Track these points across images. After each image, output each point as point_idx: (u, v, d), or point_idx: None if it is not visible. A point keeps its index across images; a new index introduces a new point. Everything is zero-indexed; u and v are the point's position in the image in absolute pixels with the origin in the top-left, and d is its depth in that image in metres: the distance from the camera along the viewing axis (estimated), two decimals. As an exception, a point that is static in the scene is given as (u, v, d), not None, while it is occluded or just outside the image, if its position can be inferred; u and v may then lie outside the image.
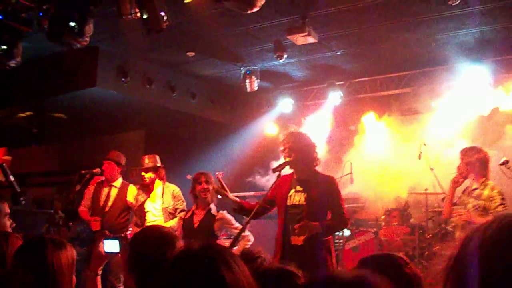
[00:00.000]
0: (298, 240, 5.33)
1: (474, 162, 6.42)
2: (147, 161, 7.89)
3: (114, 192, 8.06)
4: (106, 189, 8.07)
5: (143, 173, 7.85)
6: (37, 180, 14.85)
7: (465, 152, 6.57)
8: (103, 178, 8.14)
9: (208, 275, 1.79)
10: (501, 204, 6.23)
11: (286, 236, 5.48)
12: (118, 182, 8.14)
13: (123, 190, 8.08)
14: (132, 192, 8.09)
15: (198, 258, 1.88)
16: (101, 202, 7.99)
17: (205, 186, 6.41)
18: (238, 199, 5.92)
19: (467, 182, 6.64)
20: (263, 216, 6.08)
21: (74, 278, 2.92)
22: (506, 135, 9.81)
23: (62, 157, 14.86)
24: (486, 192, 6.33)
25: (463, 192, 6.58)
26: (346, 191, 10.40)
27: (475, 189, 6.41)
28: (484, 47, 9.50)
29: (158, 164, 7.95)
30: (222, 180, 5.95)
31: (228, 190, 5.88)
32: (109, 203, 7.97)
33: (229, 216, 6.49)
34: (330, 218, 5.60)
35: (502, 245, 1.16)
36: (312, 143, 5.73)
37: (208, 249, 1.95)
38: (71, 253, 2.88)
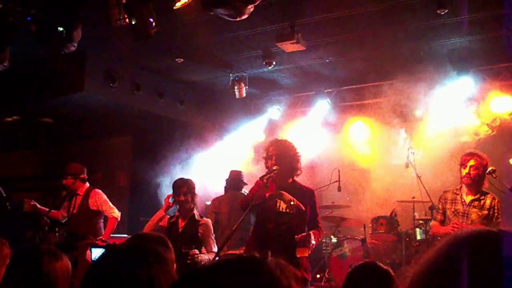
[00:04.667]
0: (304, 252, 5.35)
1: (484, 167, 6.40)
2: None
3: (78, 200, 8.10)
4: (73, 197, 8.13)
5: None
6: (23, 185, 14.73)
7: (479, 155, 6.50)
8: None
9: (124, 274, 1.82)
10: (499, 215, 6.27)
11: (274, 242, 5.46)
12: (82, 190, 8.17)
13: (86, 197, 8.14)
14: (95, 196, 8.13)
15: (121, 257, 1.91)
16: (70, 210, 8.06)
17: (183, 198, 6.46)
18: None
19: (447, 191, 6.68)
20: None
21: None
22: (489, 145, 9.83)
23: (48, 162, 14.76)
24: (488, 201, 6.35)
25: (452, 202, 6.57)
26: (333, 198, 10.42)
27: (475, 200, 6.41)
28: (472, 56, 9.55)
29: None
30: None
31: None
32: (75, 211, 8.03)
33: (211, 226, 6.50)
34: (315, 229, 5.63)
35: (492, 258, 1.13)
36: (297, 152, 5.75)
37: (132, 249, 1.98)
38: (66, 264, 2.86)
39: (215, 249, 6.34)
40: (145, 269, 1.87)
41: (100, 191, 8.27)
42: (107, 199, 8.21)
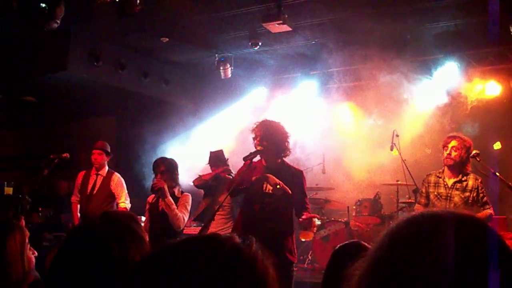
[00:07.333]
0: (308, 235, 5.35)
1: (467, 149, 6.39)
2: None
3: (100, 180, 8.24)
4: (93, 177, 8.27)
5: None
6: (5, 165, 14.63)
7: (461, 137, 6.47)
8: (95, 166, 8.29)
9: (96, 249, 1.80)
10: (485, 195, 6.29)
11: (260, 223, 5.44)
12: (104, 170, 8.31)
13: (108, 178, 8.25)
14: (116, 179, 8.23)
15: (91, 232, 1.89)
16: (88, 190, 8.18)
17: (160, 177, 6.54)
18: None
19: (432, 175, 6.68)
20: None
21: (30, 257, 2.86)
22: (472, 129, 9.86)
23: (31, 142, 14.66)
24: (470, 183, 6.35)
25: (435, 186, 6.57)
26: (317, 180, 10.41)
27: (457, 181, 6.41)
28: (458, 40, 9.55)
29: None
30: None
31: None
32: (95, 191, 8.16)
33: (187, 200, 6.61)
34: (304, 211, 5.61)
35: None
36: (285, 132, 5.69)
37: (104, 224, 1.95)
38: (19, 235, 2.81)
39: (186, 217, 6.50)
40: (118, 245, 1.84)
41: (119, 175, 8.35)
42: (125, 187, 8.30)
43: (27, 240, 2.85)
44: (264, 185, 5.54)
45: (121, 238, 1.87)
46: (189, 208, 6.57)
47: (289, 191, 5.41)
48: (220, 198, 7.72)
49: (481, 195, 6.32)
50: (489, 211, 6.29)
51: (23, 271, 2.75)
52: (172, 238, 1.23)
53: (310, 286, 8.41)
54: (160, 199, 6.48)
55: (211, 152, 8.48)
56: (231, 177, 7.88)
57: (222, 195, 7.56)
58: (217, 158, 8.44)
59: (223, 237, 1.20)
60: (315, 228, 5.39)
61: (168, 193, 6.33)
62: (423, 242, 1.07)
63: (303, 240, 5.30)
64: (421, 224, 1.13)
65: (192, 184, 8.45)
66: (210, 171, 8.43)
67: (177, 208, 6.33)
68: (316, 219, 5.52)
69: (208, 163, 8.47)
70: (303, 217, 5.33)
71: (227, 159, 8.47)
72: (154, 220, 6.51)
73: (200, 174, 8.47)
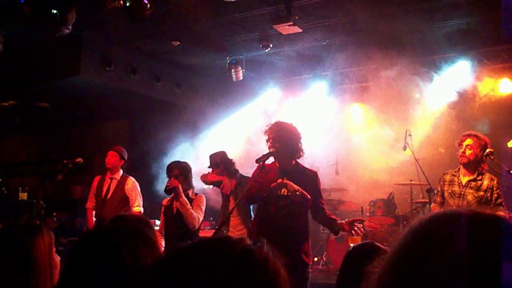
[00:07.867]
0: (355, 240, 5.36)
1: (482, 147, 6.34)
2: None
3: (114, 184, 8.22)
4: (107, 181, 8.25)
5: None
6: (20, 170, 14.71)
7: (476, 135, 6.44)
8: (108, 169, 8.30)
9: (107, 253, 1.81)
10: (499, 197, 6.23)
11: (275, 225, 5.42)
12: (119, 174, 8.28)
13: (122, 182, 8.22)
14: (130, 183, 8.21)
15: (102, 236, 1.90)
16: (103, 194, 8.17)
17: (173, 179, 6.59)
18: None
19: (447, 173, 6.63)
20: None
21: (56, 261, 2.86)
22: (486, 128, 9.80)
23: (45, 147, 14.74)
24: (485, 182, 6.30)
25: (450, 184, 6.53)
26: (330, 182, 10.38)
27: (472, 180, 6.36)
28: (470, 38, 9.50)
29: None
30: None
31: None
32: (109, 195, 8.15)
33: (202, 200, 6.68)
34: (323, 211, 5.62)
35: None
36: (297, 133, 5.65)
37: (115, 228, 1.96)
38: (47, 239, 2.82)
39: (201, 217, 6.55)
40: (129, 248, 1.84)
41: (134, 179, 8.32)
42: (139, 191, 8.27)
43: (53, 243, 2.86)
44: (281, 190, 5.52)
45: (132, 241, 1.88)
46: (203, 208, 6.62)
47: (308, 196, 5.38)
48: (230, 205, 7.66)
49: (495, 195, 6.27)
50: (501, 213, 6.23)
51: (50, 274, 2.76)
52: (188, 239, 1.24)
53: (325, 287, 8.39)
54: (175, 201, 6.51)
55: (210, 156, 8.35)
56: (233, 178, 7.79)
57: (231, 203, 7.54)
58: (218, 160, 8.24)
59: (234, 240, 1.21)
60: (361, 233, 5.38)
61: (183, 193, 6.41)
62: (445, 240, 1.08)
63: (351, 245, 5.29)
64: (443, 222, 1.13)
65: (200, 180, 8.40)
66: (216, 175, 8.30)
67: (191, 208, 6.38)
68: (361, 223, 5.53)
69: (210, 167, 8.31)
70: (344, 222, 5.37)
71: (232, 159, 8.28)
72: (170, 223, 6.58)
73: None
